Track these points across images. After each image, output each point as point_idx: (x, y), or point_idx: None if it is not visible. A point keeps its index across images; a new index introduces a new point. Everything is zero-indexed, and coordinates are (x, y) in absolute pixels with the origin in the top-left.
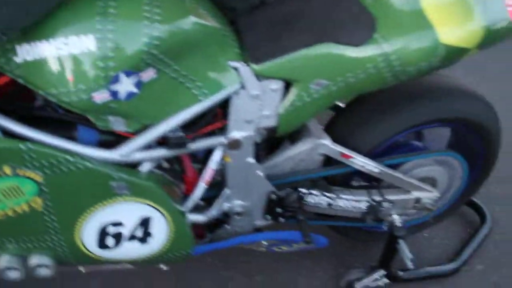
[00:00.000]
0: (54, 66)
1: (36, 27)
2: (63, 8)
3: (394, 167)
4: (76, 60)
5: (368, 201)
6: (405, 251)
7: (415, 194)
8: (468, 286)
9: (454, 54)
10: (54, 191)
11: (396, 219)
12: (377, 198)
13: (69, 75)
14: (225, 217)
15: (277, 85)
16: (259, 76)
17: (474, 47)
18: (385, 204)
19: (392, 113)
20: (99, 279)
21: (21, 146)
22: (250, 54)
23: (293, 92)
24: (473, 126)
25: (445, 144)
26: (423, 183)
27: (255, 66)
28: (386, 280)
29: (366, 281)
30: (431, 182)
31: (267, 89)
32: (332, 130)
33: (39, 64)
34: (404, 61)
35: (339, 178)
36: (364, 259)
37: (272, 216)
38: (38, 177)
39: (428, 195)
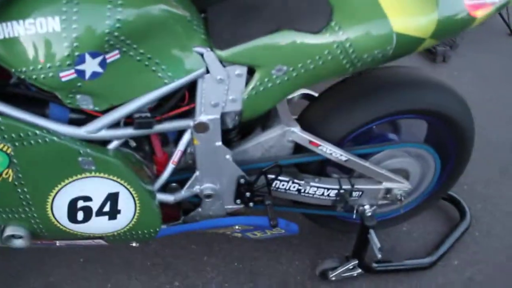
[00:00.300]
0: (23, 46)
1: (6, 9)
2: None
3: (365, 157)
4: (43, 41)
5: (337, 189)
6: (374, 240)
7: (386, 184)
8: (443, 280)
9: (407, 43)
10: (24, 164)
11: (367, 209)
12: (347, 186)
13: (37, 55)
14: (198, 201)
15: (241, 70)
16: (224, 62)
17: (428, 37)
18: (355, 193)
19: (362, 103)
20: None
21: None
22: (215, 41)
23: (256, 77)
24: (445, 119)
25: (423, 138)
26: (394, 174)
27: (219, 52)
28: (359, 270)
29: (340, 270)
30: (403, 174)
31: (231, 74)
32: (305, 119)
33: (10, 43)
34: (359, 48)
35: (314, 167)
36: (343, 250)
37: (241, 201)
38: (9, 149)
39: (399, 186)
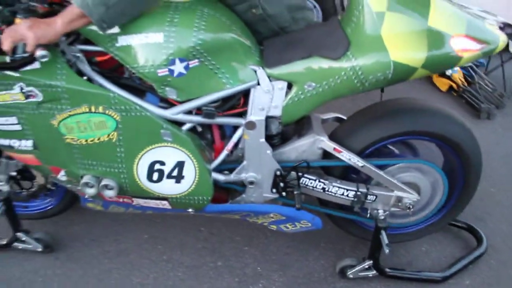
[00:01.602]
0: (137, 50)
1: (128, 25)
2: (146, 15)
3: (381, 168)
4: (150, 48)
5: (355, 191)
6: (384, 238)
7: (397, 193)
8: None
9: (403, 70)
10: (125, 129)
11: (380, 213)
12: (363, 190)
13: (145, 57)
14: (242, 189)
15: (282, 85)
16: (270, 78)
17: (420, 66)
18: (370, 197)
19: (379, 122)
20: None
21: (111, 94)
22: (266, 62)
23: (293, 91)
24: (452, 144)
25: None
26: (404, 185)
27: (268, 70)
28: (374, 272)
29: (357, 269)
30: (415, 187)
31: (275, 87)
32: (335, 134)
33: (129, 48)
34: (366, 72)
35: (337, 173)
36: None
37: (276, 190)
38: (118, 117)
39: (408, 196)
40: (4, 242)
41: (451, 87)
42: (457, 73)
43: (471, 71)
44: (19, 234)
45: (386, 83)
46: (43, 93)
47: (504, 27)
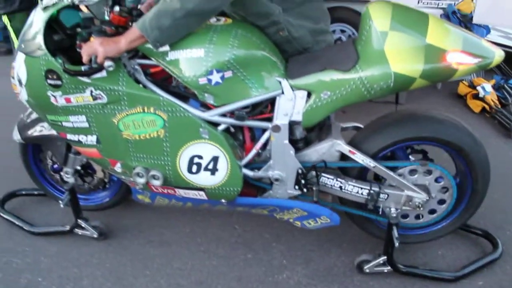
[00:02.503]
0: (183, 62)
1: (176, 43)
2: (191, 35)
3: (392, 170)
4: (193, 61)
5: (369, 190)
6: (395, 233)
7: (407, 192)
8: None
9: (402, 80)
10: (171, 127)
11: (393, 211)
12: (376, 189)
13: (189, 68)
14: (269, 187)
15: (303, 94)
16: (293, 87)
17: (418, 77)
18: (382, 196)
19: (389, 129)
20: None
21: (160, 98)
22: (289, 75)
23: (311, 99)
24: (459, 151)
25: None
26: (413, 185)
27: (291, 81)
28: (389, 268)
29: (372, 264)
30: (424, 188)
31: (297, 95)
32: (352, 140)
33: (177, 61)
34: (371, 81)
35: (354, 174)
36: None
37: (299, 187)
38: (165, 116)
39: (418, 196)
40: (67, 228)
41: (483, 109)
42: (489, 95)
43: (505, 93)
44: (80, 221)
45: (389, 91)
46: (108, 96)
47: None
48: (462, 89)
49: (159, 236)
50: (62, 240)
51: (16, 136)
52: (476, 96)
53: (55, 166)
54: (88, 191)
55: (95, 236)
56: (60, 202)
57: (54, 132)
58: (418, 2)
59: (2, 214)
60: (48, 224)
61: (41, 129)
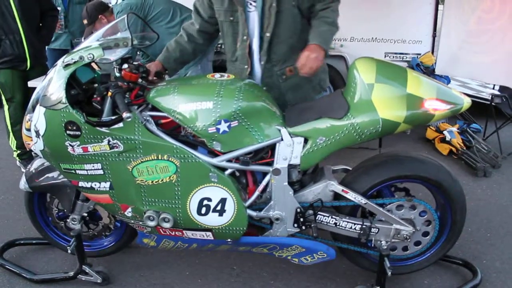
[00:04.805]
0: (193, 113)
1: (186, 97)
2: (199, 90)
3: (381, 206)
4: (203, 112)
5: (361, 225)
6: (387, 263)
7: (396, 226)
8: None
9: (389, 124)
10: (183, 172)
11: (383, 243)
12: (368, 224)
13: (199, 118)
14: (269, 227)
15: (300, 140)
16: (291, 134)
17: (402, 121)
18: (373, 230)
19: (375, 170)
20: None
21: (174, 146)
22: (287, 123)
23: (308, 144)
24: (438, 187)
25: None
26: (401, 220)
27: (289, 129)
28: None
29: None
30: (410, 222)
31: (295, 141)
32: (343, 181)
33: (187, 113)
34: (362, 127)
35: (347, 210)
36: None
37: (297, 225)
38: (178, 163)
39: (405, 229)
40: (71, 274)
41: (451, 151)
42: (455, 138)
43: (469, 136)
44: (84, 267)
45: (378, 135)
46: (124, 145)
47: (493, 97)
48: (430, 133)
49: (161, 279)
50: (63, 286)
51: (24, 185)
52: (443, 140)
53: (60, 213)
54: (92, 237)
55: (99, 281)
56: (68, 248)
57: (63, 180)
58: (385, 56)
59: (1, 263)
60: (48, 272)
61: (50, 178)
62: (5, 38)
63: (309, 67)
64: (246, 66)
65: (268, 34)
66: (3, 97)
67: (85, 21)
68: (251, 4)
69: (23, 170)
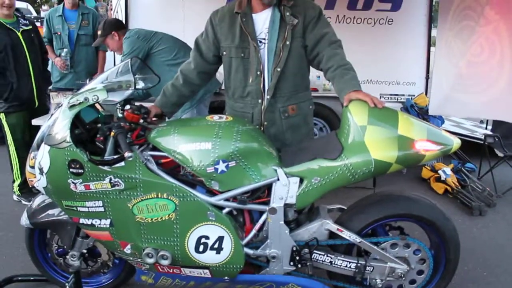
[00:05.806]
0: (193, 154)
1: (186, 138)
2: (198, 131)
3: (376, 244)
4: (201, 152)
5: (356, 263)
6: None
7: (390, 264)
8: None
9: (381, 165)
10: (182, 210)
11: (378, 282)
12: (363, 262)
13: (200, 158)
14: (266, 266)
15: (296, 180)
16: (287, 174)
17: (394, 162)
18: (368, 268)
19: (369, 209)
20: None
21: (173, 185)
22: (283, 163)
23: (303, 184)
24: (431, 225)
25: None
26: (395, 258)
27: (285, 169)
28: None
29: None
30: (404, 260)
31: (291, 181)
32: (338, 220)
33: (187, 153)
34: (355, 167)
35: (343, 249)
36: None
37: (293, 263)
38: (177, 201)
39: (400, 267)
40: None
41: (446, 190)
42: (450, 178)
43: (464, 176)
44: None
45: (370, 175)
46: (125, 183)
47: (486, 137)
48: (425, 173)
49: None
50: None
51: (26, 221)
52: (438, 179)
53: (60, 250)
54: (90, 274)
55: None
56: (66, 284)
57: (64, 217)
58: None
59: None
60: None
61: (51, 215)
62: (16, 81)
63: (370, 98)
64: (260, 100)
65: (279, 69)
66: (9, 137)
67: (99, 32)
68: (260, 41)
69: (24, 203)
